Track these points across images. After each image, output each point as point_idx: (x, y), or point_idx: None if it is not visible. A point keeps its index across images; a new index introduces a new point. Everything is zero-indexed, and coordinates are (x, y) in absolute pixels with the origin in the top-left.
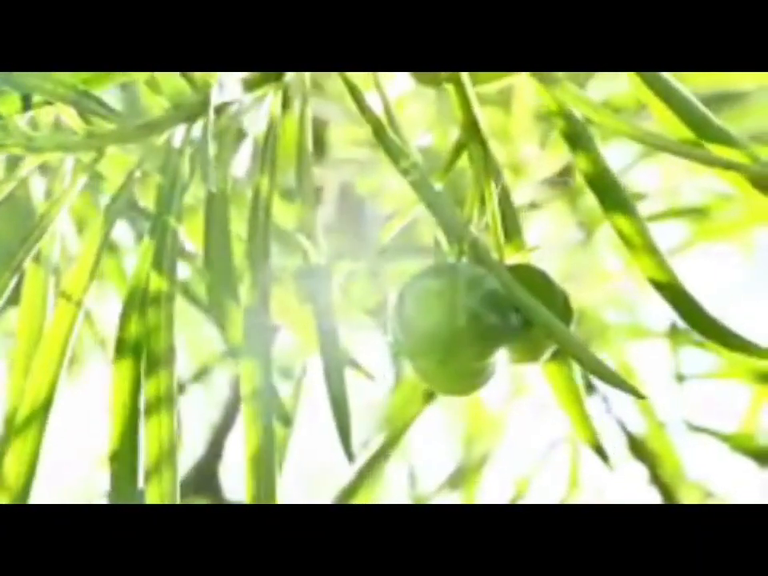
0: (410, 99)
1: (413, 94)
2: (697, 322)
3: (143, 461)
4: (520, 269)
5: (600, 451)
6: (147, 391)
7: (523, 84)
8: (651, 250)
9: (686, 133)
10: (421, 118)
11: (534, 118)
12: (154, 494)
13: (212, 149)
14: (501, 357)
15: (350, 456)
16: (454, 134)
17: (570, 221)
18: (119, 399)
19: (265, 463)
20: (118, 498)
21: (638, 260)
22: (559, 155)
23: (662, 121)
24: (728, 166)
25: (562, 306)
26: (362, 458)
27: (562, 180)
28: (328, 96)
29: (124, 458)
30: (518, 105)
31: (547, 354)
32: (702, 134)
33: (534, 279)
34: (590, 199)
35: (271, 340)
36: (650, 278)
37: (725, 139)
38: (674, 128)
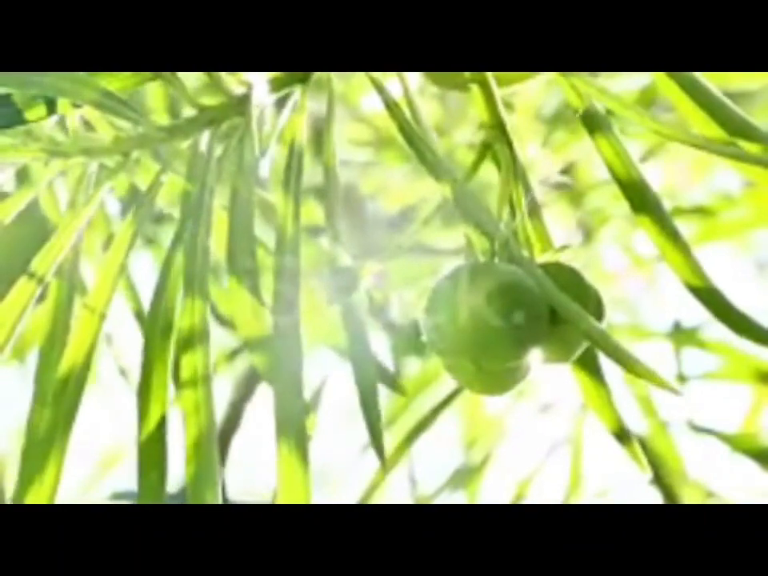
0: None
1: (418, 96)
2: (726, 316)
3: (184, 443)
4: (552, 267)
5: (634, 454)
6: (182, 374)
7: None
8: (679, 245)
9: (711, 129)
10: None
11: (536, 117)
12: (194, 489)
13: (248, 151)
14: (533, 356)
15: (382, 456)
16: (459, 135)
17: (571, 221)
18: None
19: (297, 474)
20: (145, 490)
21: (665, 254)
22: (560, 155)
23: (688, 117)
24: (756, 161)
25: (594, 304)
26: (363, 458)
27: (563, 180)
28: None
29: (152, 450)
30: (519, 104)
31: (579, 352)
32: (728, 129)
33: (566, 277)
34: (590, 199)
35: (301, 354)
36: (677, 271)
37: (749, 134)
38: (700, 124)
